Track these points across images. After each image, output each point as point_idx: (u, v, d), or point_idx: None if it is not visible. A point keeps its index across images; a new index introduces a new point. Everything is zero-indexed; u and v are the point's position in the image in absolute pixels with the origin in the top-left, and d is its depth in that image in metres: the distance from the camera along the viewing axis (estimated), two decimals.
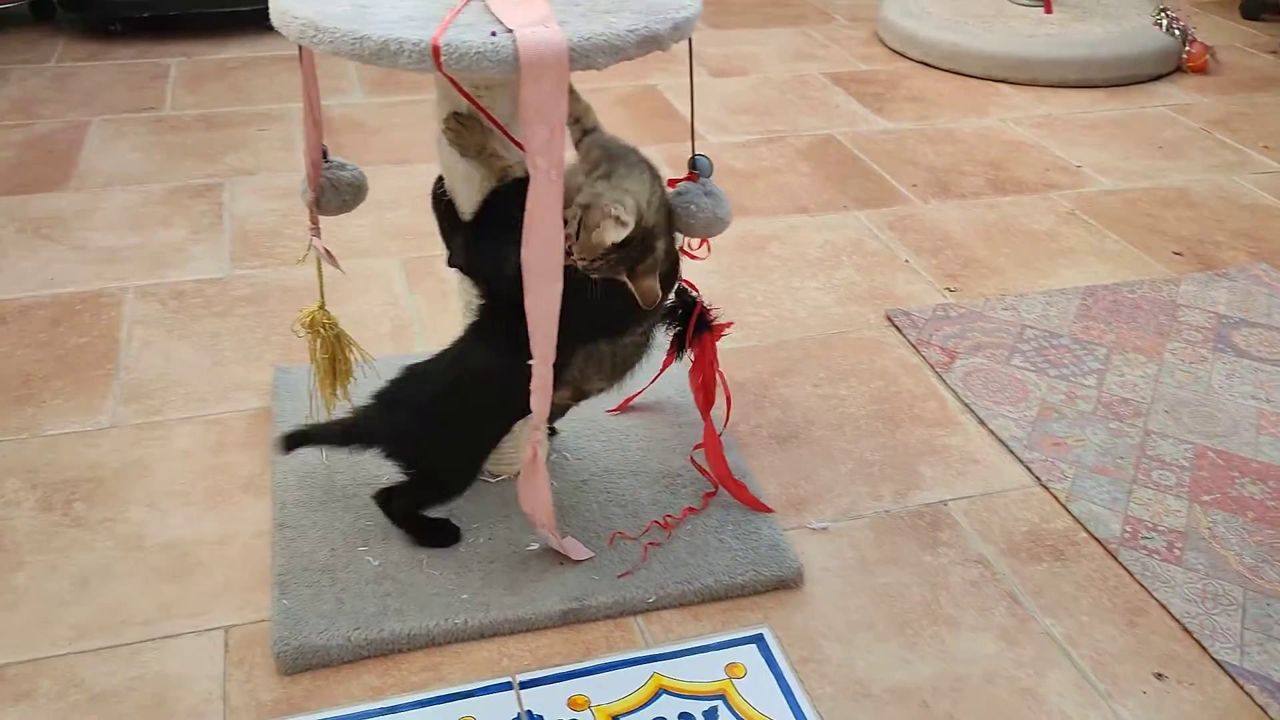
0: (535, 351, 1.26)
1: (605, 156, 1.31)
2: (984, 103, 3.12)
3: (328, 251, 1.49)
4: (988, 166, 2.73)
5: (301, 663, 1.32)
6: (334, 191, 1.47)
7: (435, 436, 1.40)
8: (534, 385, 1.28)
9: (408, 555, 1.46)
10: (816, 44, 3.57)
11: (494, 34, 1.15)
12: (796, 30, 3.70)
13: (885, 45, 3.54)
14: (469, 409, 1.38)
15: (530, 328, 1.24)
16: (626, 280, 1.29)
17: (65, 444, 1.69)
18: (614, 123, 2.84)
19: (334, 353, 1.58)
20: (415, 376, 1.42)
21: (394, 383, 1.42)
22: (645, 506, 1.56)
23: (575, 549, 1.45)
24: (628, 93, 3.07)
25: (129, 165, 2.59)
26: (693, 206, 1.37)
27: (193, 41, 3.37)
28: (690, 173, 1.42)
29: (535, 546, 1.48)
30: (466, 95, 1.23)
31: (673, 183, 1.41)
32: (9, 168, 2.55)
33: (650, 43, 1.22)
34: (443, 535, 1.49)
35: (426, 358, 1.45)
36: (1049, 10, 3.44)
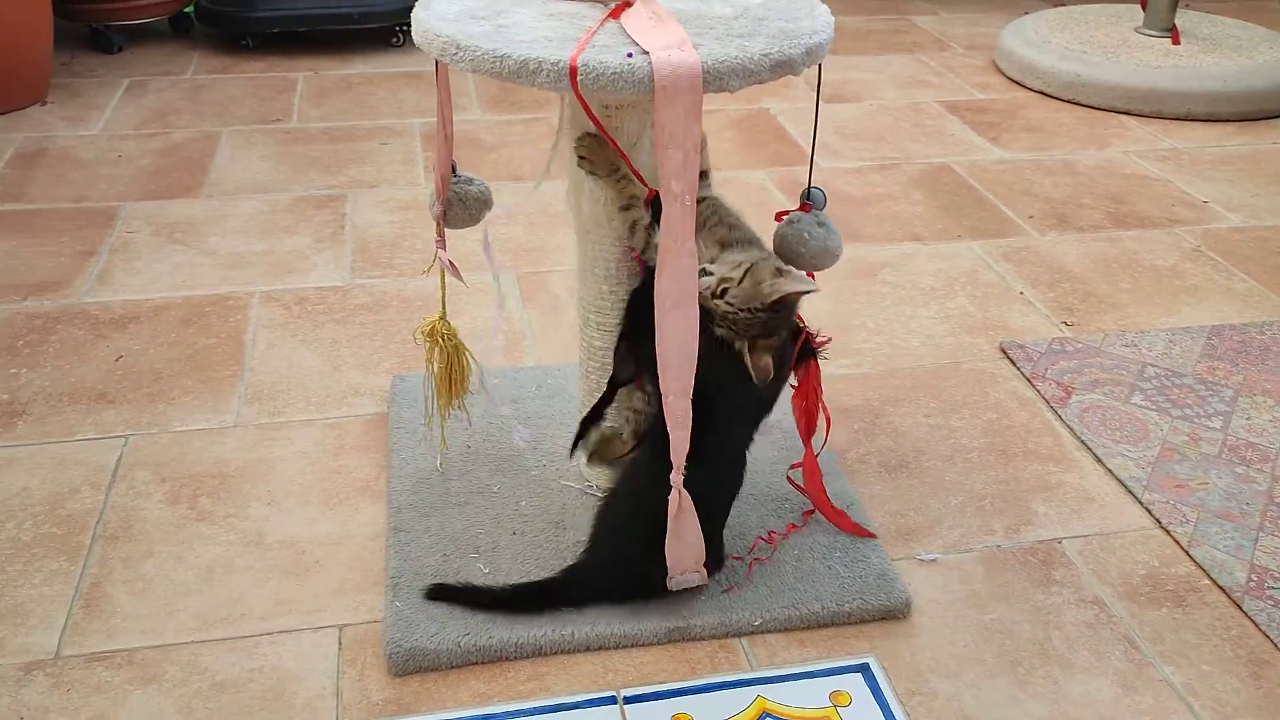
0: (671, 384, 1.25)
1: (721, 223, 1.36)
2: (1105, 135, 3.06)
3: (452, 264, 1.53)
4: (1108, 200, 2.67)
5: (412, 665, 1.34)
6: (461, 206, 1.50)
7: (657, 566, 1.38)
8: (672, 421, 1.26)
9: (518, 565, 1.48)
10: (932, 71, 3.53)
11: (630, 55, 1.17)
12: (912, 57, 3.67)
13: (1003, 74, 3.49)
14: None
15: (662, 359, 1.24)
16: (745, 350, 1.31)
17: (193, 440, 1.75)
18: (726, 146, 2.87)
19: (451, 363, 1.61)
20: (610, 528, 1.43)
21: (592, 551, 1.44)
22: (751, 528, 1.55)
23: (703, 576, 1.43)
24: (740, 116, 3.08)
25: (257, 174, 2.69)
26: (805, 235, 1.38)
27: (319, 57, 3.49)
28: (803, 203, 1.42)
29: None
30: (593, 118, 1.25)
31: (784, 214, 1.42)
32: (147, 174, 2.67)
33: (783, 67, 1.23)
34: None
35: (606, 502, 1.47)
36: (1176, 42, 3.35)
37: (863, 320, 2.13)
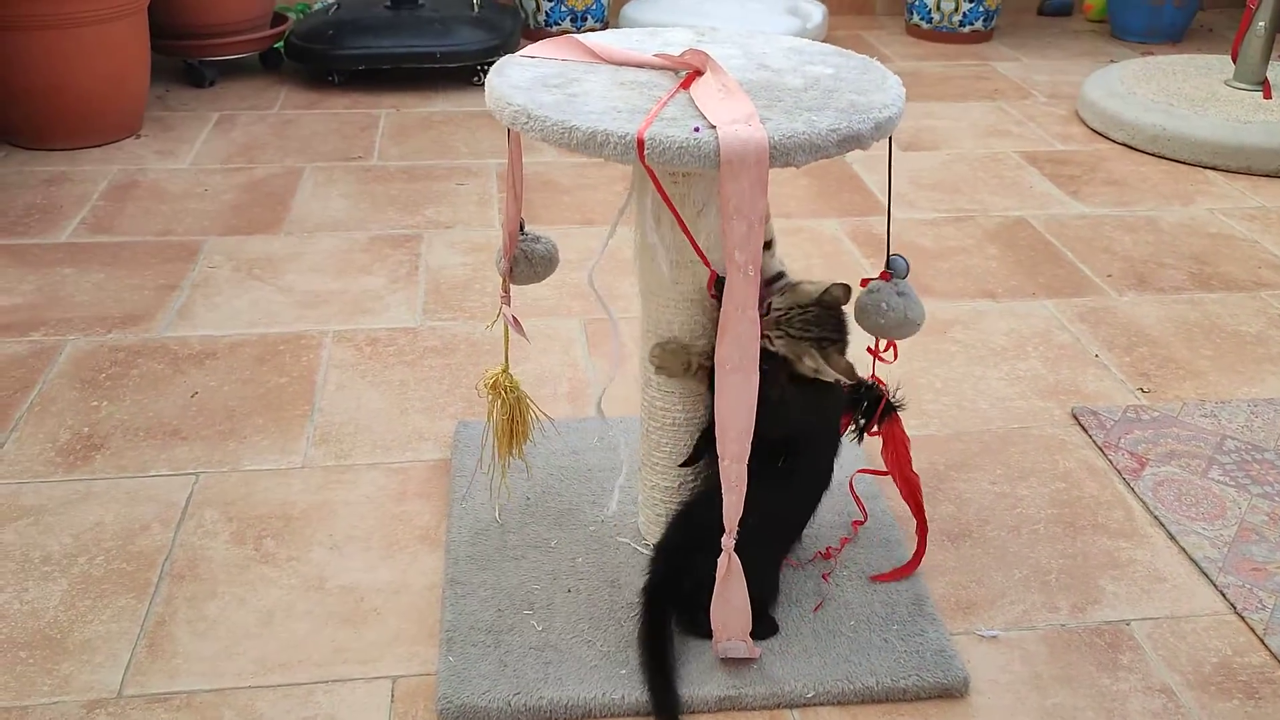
0: (729, 448, 1.26)
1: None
2: (1191, 191, 2.98)
3: (516, 320, 1.54)
4: (1191, 260, 2.60)
5: None
6: (527, 263, 1.52)
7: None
8: (727, 485, 1.27)
9: (570, 624, 1.48)
10: (1012, 120, 3.49)
11: (698, 129, 1.18)
12: (992, 105, 3.63)
13: (1085, 125, 3.44)
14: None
15: (720, 423, 1.25)
16: (820, 359, 1.37)
17: (261, 480, 1.79)
18: (800, 195, 2.86)
19: (514, 415, 1.62)
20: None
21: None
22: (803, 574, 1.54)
23: (750, 648, 1.42)
24: (815, 164, 3.07)
25: (336, 212, 2.75)
26: (884, 305, 1.37)
27: (402, 94, 3.56)
28: (884, 272, 1.41)
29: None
30: (661, 190, 1.26)
31: (865, 281, 1.41)
32: (230, 209, 2.75)
33: (851, 142, 1.22)
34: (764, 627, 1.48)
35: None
36: (1268, 95, 3.26)
37: (930, 379, 2.10)
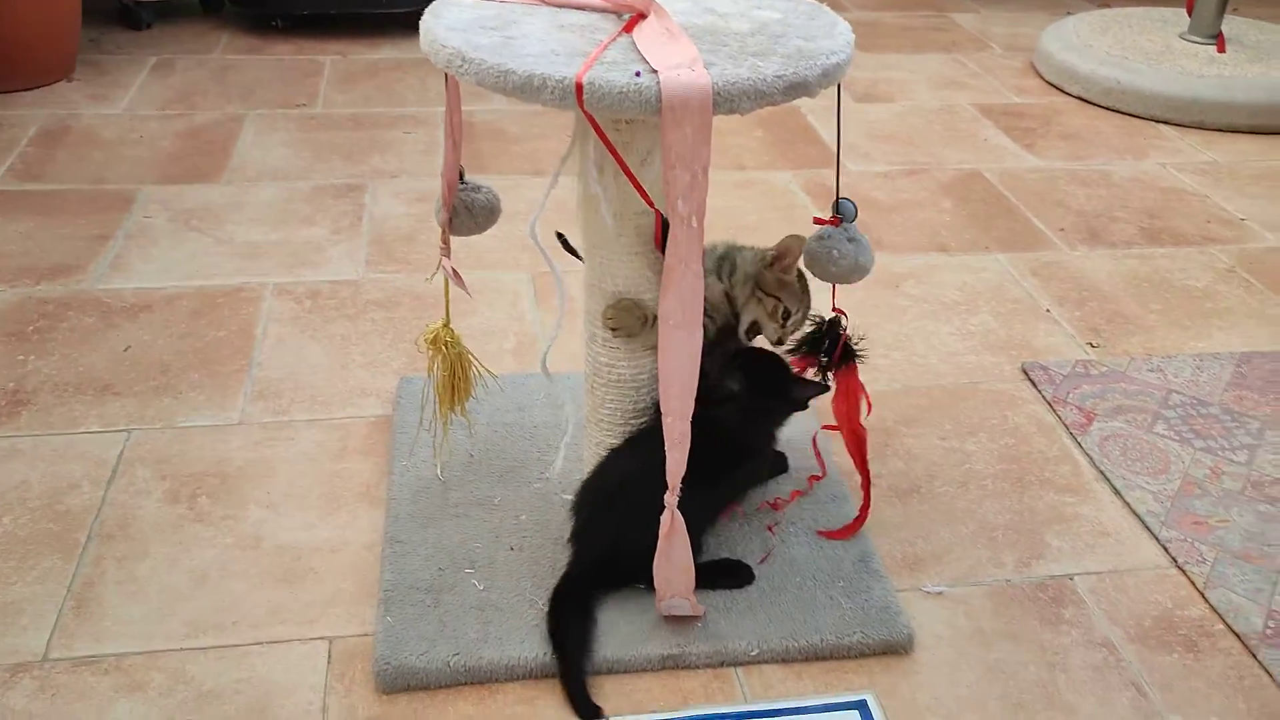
0: (672, 405, 1.23)
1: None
2: (1144, 145, 2.98)
3: (456, 272, 1.50)
4: (1143, 214, 2.60)
5: (400, 683, 1.32)
6: (467, 214, 1.48)
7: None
8: (670, 441, 1.25)
9: (513, 583, 1.46)
10: (969, 73, 3.46)
11: (638, 74, 1.13)
12: (949, 57, 3.59)
13: (1041, 78, 3.41)
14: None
15: (663, 381, 1.22)
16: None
17: (196, 437, 1.74)
18: (754, 146, 2.82)
19: (455, 370, 1.58)
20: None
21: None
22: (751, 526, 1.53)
23: (694, 606, 1.40)
24: (768, 114, 3.03)
25: (279, 161, 2.67)
26: (834, 253, 1.35)
27: (348, 40, 3.46)
28: (833, 216, 1.38)
29: (640, 585, 1.46)
30: (603, 136, 1.22)
31: (817, 221, 1.39)
32: (168, 157, 2.66)
33: (797, 89, 1.18)
34: (739, 576, 1.48)
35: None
36: (1222, 49, 3.26)
37: (882, 334, 2.09)
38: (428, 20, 1.30)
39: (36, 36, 2.96)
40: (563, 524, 1.56)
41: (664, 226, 1.35)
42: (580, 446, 1.63)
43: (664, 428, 1.27)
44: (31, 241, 2.26)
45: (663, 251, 1.35)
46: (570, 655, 1.34)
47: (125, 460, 1.68)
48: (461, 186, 1.47)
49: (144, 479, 1.65)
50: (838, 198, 1.41)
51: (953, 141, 2.95)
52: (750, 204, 2.51)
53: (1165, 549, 1.60)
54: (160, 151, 2.69)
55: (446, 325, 1.57)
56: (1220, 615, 1.49)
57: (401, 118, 2.95)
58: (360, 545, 1.55)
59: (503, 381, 1.79)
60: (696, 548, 1.42)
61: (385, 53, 3.39)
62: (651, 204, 1.31)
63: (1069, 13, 3.96)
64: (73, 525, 1.55)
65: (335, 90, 3.11)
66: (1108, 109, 3.18)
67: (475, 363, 1.60)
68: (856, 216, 1.41)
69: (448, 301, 1.56)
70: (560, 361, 1.88)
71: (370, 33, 3.51)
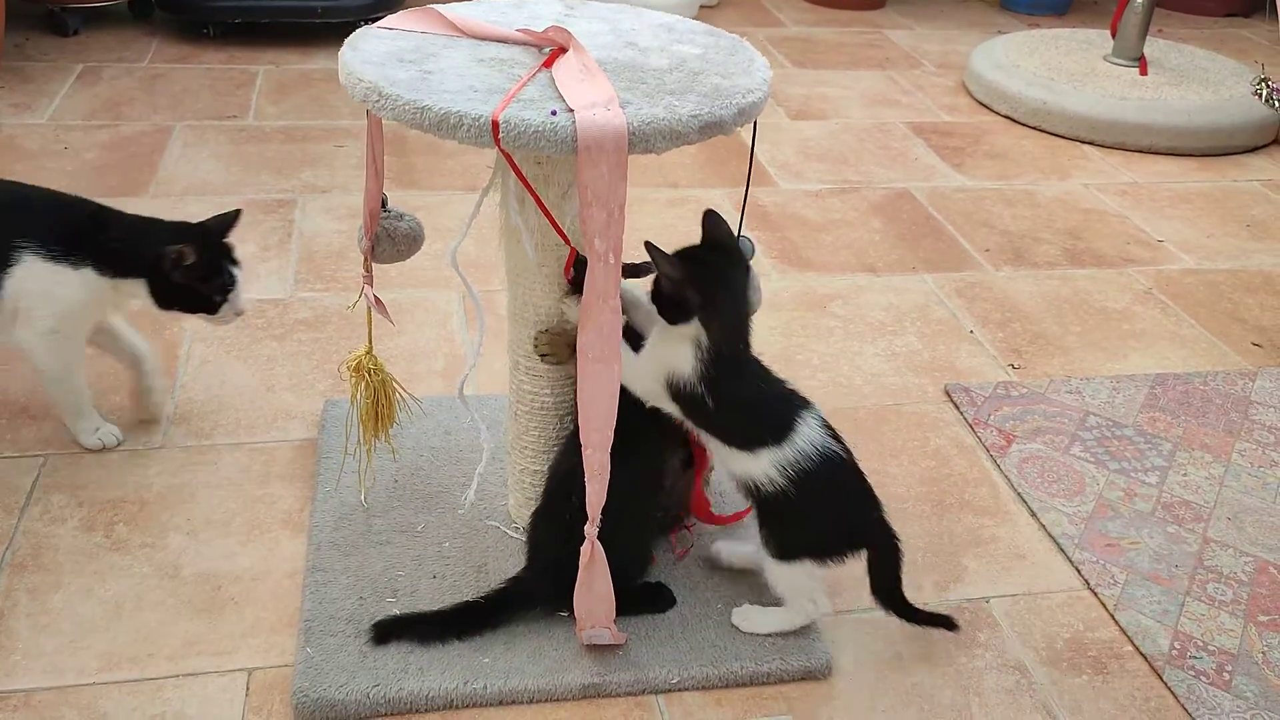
0: (592, 437, 1.24)
1: None
2: (1067, 165, 3.05)
3: (378, 300, 1.49)
4: (1066, 235, 2.66)
5: (319, 715, 1.32)
6: (389, 242, 1.47)
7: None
8: (590, 473, 1.25)
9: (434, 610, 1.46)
10: (901, 90, 3.51)
11: (554, 112, 1.14)
12: (882, 74, 3.64)
13: (971, 96, 3.48)
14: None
15: (583, 414, 1.23)
16: None
17: (115, 461, 1.71)
18: (688, 164, 2.84)
19: (378, 398, 1.58)
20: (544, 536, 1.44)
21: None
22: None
23: (615, 635, 1.41)
24: None
25: (207, 174, 2.63)
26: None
27: (281, 49, 3.43)
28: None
29: (564, 611, 1.46)
30: (519, 174, 1.22)
31: None
32: (93, 169, 2.61)
33: (713, 129, 1.20)
34: (660, 600, 1.49)
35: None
36: (1144, 72, 3.34)
37: (808, 355, 2.11)
38: (345, 53, 1.30)
39: None
40: (486, 550, 1.56)
41: (576, 257, 1.37)
42: (502, 472, 1.64)
43: (583, 459, 1.27)
44: None
45: (570, 281, 1.37)
46: None
47: (41, 486, 1.65)
48: (385, 214, 1.47)
49: (60, 506, 1.62)
50: (738, 236, 1.42)
51: (884, 160, 3.00)
52: (682, 222, 2.53)
53: (1078, 571, 1.64)
54: (85, 163, 2.64)
55: (369, 352, 1.56)
56: (1129, 637, 1.53)
57: (334, 130, 2.92)
58: (281, 573, 1.53)
59: (429, 404, 1.79)
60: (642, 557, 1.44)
61: (319, 63, 3.36)
62: (567, 240, 1.32)
63: (999, 32, 4.04)
64: None
65: (267, 101, 3.07)
66: (1034, 129, 3.25)
67: (399, 389, 1.60)
68: (754, 255, 1.43)
69: (370, 328, 1.55)
70: (484, 383, 1.88)
71: (303, 42, 3.48)
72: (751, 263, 1.40)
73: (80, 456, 1.72)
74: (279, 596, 1.50)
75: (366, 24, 3.72)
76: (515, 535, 1.58)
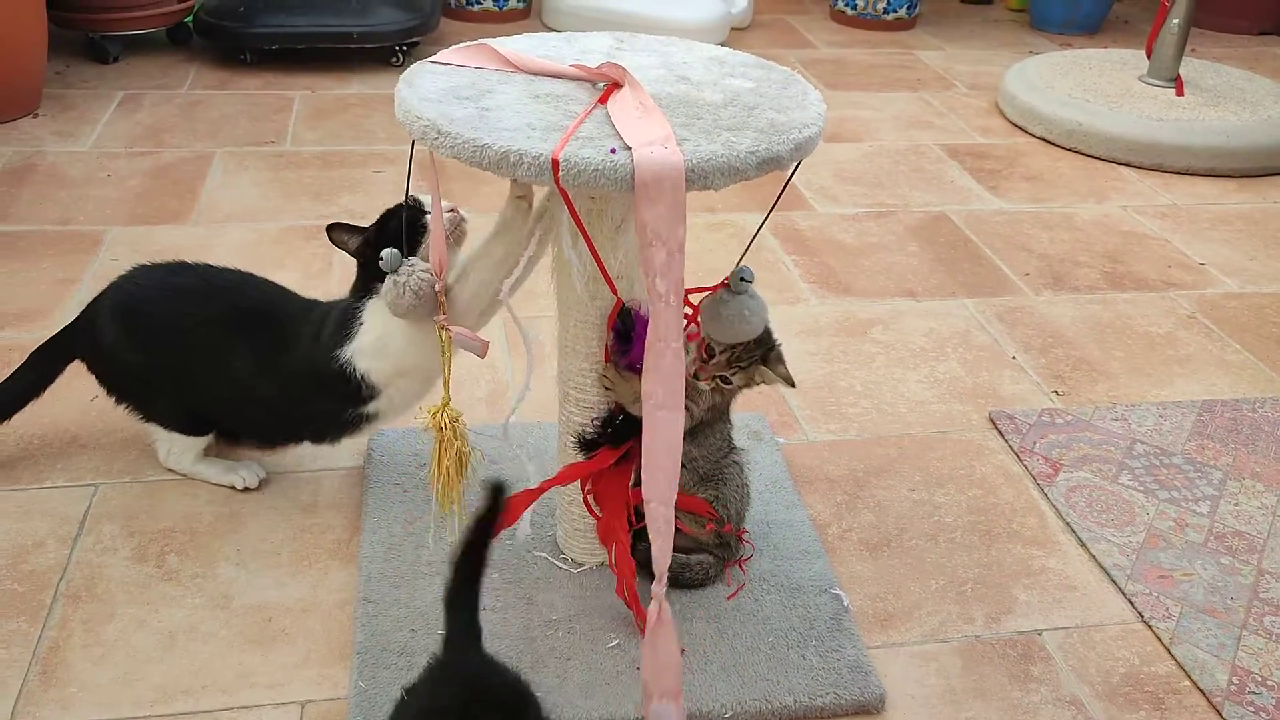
0: (655, 490, 1.20)
1: None
2: (1105, 187, 3.03)
3: (469, 333, 1.46)
4: (1105, 258, 2.64)
5: None
6: (415, 298, 1.46)
7: None
8: (654, 529, 1.21)
9: (485, 643, 1.45)
10: (934, 111, 3.51)
11: (613, 150, 1.15)
12: (915, 96, 3.64)
13: (1005, 117, 3.47)
14: None
15: (647, 465, 1.19)
16: (763, 371, 1.42)
17: (165, 491, 1.73)
18: (725, 190, 2.83)
19: (462, 455, 1.50)
20: None
21: None
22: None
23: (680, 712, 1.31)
24: None
25: (248, 201, 2.66)
26: (746, 311, 1.38)
27: (317, 75, 3.46)
28: (726, 280, 1.40)
29: (615, 643, 1.46)
30: (574, 214, 1.23)
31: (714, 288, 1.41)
32: (135, 196, 2.64)
33: (770, 164, 1.20)
34: None
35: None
36: (1180, 93, 3.32)
37: (850, 382, 2.11)
38: (402, 89, 1.30)
39: (1, 70, 2.93)
40: (535, 582, 1.56)
41: (621, 309, 1.37)
42: (550, 503, 1.64)
43: (647, 513, 1.23)
44: None
45: (615, 364, 1.38)
46: None
47: (92, 516, 1.66)
48: (408, 263, 1.46)
49: (111, 536, 1.63)
50: (740, 262, 1.42)
51: (919, 183, 2.99)
52: (721, 246, 2.53)
53: (1131, 603, 1.62)
54: (128, 191, 2.67)
55: (447, 403, 1.50)
56: (1186, 672, 1.51)
57: (371, 155, 2.94)
58: (331, 604, 1.54)
59: (477, 432, 1.78)
60: None
61: (354, 88, 3.38)
62: (611, 284, 1.32)
63: (1032, 52, 4.03)
64: (38, 585, 1.53)
65: (304, 127, 3.10)
66: (1070, 150, 3.24)
67: (472, 450, 1.54)
68: (753, 281, 1.43)
69: (447, 376, 1.50)
70: (525, 410, 1.88)
71: (339, 67, 3.51)
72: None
73: (130, 486, 1.73)
74: (329, 628, 1.50)
75: (400, 49, 3.76)
76: (563, 566, 1.58)
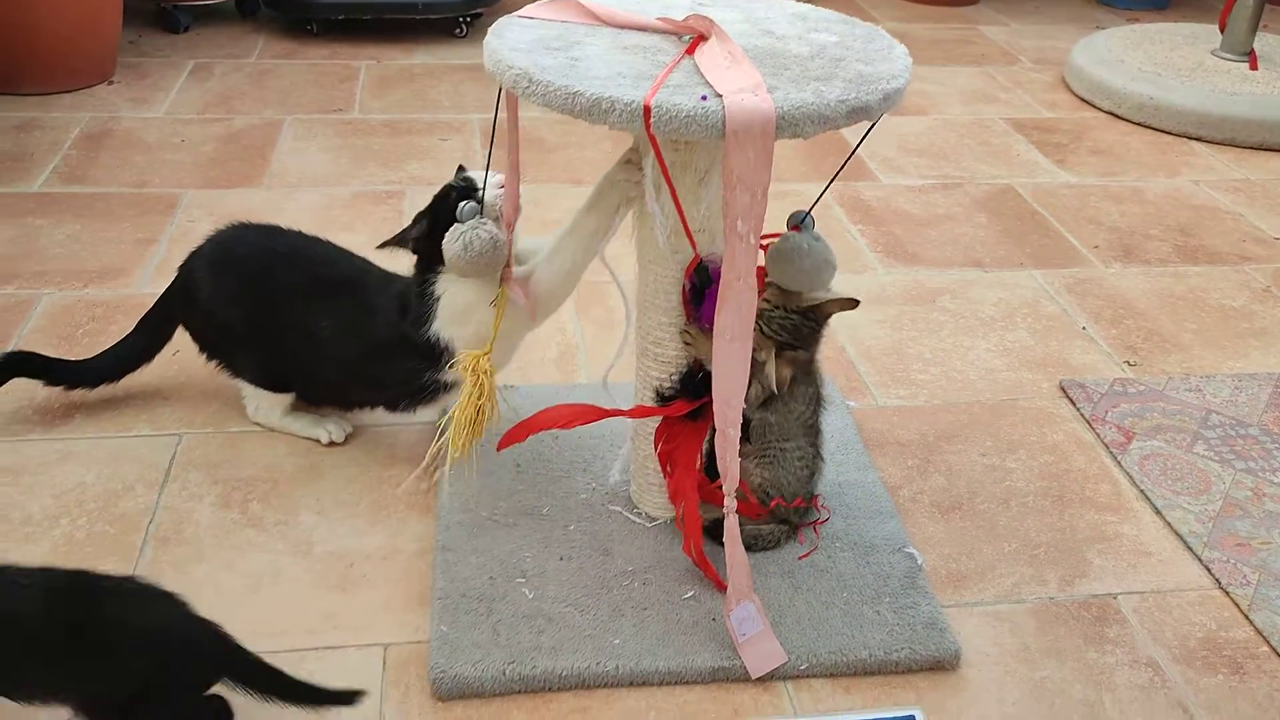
0: (726, 415, 1.27)
1: None
2: (1176, 161, 2.99)
3: (522, 295, 1.50)
4: (1177, 231, 2.61)
5: (456, 691, 1.34)
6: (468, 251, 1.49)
7: None
8: (723, 448, 1.29)
9: (563, 592, 1.48)
10: (999, 86, 3.47)
11: (704, 98, 1.15)
12: (979, 70, 3.60)
13: (1072, 92, 3.42)
14: None
15: (718, 393, 1.25)
16: (770, 357, 1.40)
17: (246, 442, 1.76)
18: (788, 157, 2.84)
19: (483, 404, 1.53)
20: None
21: None
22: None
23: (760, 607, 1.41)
24: None
25: (317, 166, 2.69)
26: (805, 246, 1.38)
27: (382, 45, 3.49)
28: (794, 225, 1.41)
29: (691, 594, 1.48)
30: (661, 161, 1.24)
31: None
32: (209, 161, 2.69)
33: (859, 114, 1.20)
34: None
35: None
36: (1254, 67, 3.26)
37: (919, 349, 2.10)
38: (491, 40, 1.32)
39: (77, 39, 2.99)
40: (610, 535, 1.58)
41: (698, 265, 1.38)
42: (626, 458, 1.65)
43: (718, 437, 1.31)
44: (78, 244, 2.29)
45: (689, 317, 1.39)
46: None
47: (178, 464, 1.71)
48: (479, 220, 1.48)
49: (196, 483, 1.67)
50: (807, 212, 1.44)
51: (985, 156, 2.96)
52: (784, 214, 2.52)
53: (1208, 570, 1.61)
54: (201, 155, 2.71)
55: (487, 353, 1.54)
56: (1265, 637, 1.50)
57: (436, 124, 2.97)
58: (410, 553, 1.57)
59: (545, 393, 1.81)
60: None
61: (419, 58, 3.41)
62: (691, 239, 1.34)
63: (1098, 27, 3.97)
64: (129, 528, 1.58)
65: (371, 95, 3.13)
66: (1139, 124, 3.19)
67: (500, 399, 1.57)
68: (814, 225, 1.44)
69: (496, 326, 1.54)
70: (594, 370, 1.90)
71: (404, 37, 3.54)
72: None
73: (213, 436, 1.77)
74: (409, 574, 1.53)
75: (464, 20, 3.78)
76: (637, 520, 1.60)
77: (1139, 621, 1.52)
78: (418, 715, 1.33)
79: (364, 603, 1.48)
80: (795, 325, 1.41)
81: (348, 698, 1.25)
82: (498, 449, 1.52)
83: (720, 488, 1.37)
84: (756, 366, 1.35)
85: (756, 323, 1.36)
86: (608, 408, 1.47)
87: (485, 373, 1.54)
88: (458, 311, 1.57)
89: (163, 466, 1.70)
